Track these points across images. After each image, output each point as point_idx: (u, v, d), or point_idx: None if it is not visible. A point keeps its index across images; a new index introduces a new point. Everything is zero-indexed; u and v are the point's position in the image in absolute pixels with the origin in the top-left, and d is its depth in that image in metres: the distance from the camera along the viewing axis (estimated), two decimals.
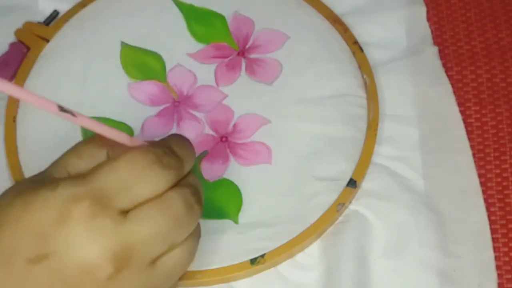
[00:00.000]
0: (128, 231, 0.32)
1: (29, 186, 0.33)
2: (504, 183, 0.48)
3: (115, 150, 0.35)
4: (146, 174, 0.33)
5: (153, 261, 0.34)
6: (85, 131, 0.49)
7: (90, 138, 0.37)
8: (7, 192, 0.34)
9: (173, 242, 0.34)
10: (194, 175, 0.37)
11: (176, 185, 0.34)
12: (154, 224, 0.33)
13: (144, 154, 0.34)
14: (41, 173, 0.36)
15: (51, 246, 0.32)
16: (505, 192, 0.48)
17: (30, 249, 0.32)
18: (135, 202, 0.33)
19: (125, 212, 0.33)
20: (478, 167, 0.48)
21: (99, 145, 0.36)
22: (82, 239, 0.32)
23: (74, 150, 0.36)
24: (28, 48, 0.53)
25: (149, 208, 0.33)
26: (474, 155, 0.48)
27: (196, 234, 0.36)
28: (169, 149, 0.35)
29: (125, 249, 0.32)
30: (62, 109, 0.32)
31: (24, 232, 0.32)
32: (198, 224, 0.37)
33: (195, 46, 0.52)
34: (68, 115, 0.32)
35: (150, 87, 0.51)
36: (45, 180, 0.33)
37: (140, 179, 0.33)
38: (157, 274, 0.34)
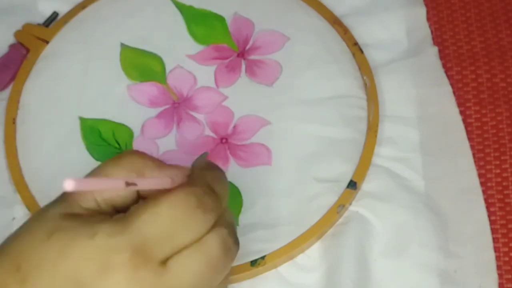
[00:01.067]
0: (169, 283, 0.31)
1: (62, 225, 0.32)
2: (504, 183, 0.48)
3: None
4: (189, 220, 0.32)
5: None
6: (85, 133, 0.49)
7: (113, 160, 0.34)
8: (37, 229, 0.33)
9: (212, 286, 0.33)
10: (229, 210, 0.36)
11: (214, 225, 0.33)
12: (194, 273, 0.32)
13: (186, 198, 0.32)
14: (64, 200, 0.34)
15: None
16: (505, 192, 0.48)
17: None
18: (176, 250, 0.32)
19: (165, 261, 0.32)
20: (478, 167, 0.48)
21: (128, 169, 0.34)
22: None
23: (102, 175, 0.34)
24: (27, 50, 0.53)
25: (188, 256, 0.32)
26: (474, 155, 0.49)
27: (230, 272, 0.36)
28: (208, 188, 0.33)
29: None
30: (128, 184, 0.31)
31: (61, 279, 0.31)
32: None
33: (195, 47, 0.52)
34: (132, 186, 0.31)
35: (150, 89, 0.51)
36: (82, 222, 0.32)
37: (183, 228, 0.32)
38: None
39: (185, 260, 0.32)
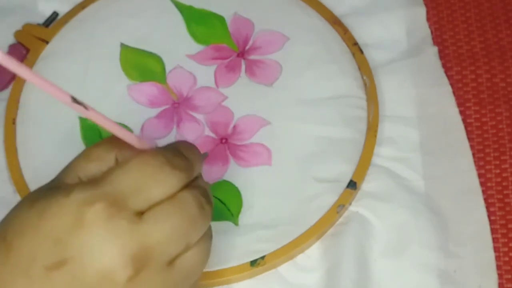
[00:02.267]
0: (144, 231, 0.32)
1: (43, 194, 0.33)
2: (504, 183, 0.48)
3: (123, 153, 0.35)
4: (158, 175, 0.33)
5: (171, 262, 0.34)
6: (85, 133, 0.49)
7: (99, 142, 0.37)
8: (22, 203, 0.34)
9: (188, 242, 0.34)
10: (202, 178, 0.37)
11: (186, 187, 0.35)
12: (169, 223, 0.33)
13: (155, 156, 0.34)
14: (52, 181, 0.36)
15: (69, 251, 0.32)
16: (505, 192, 0.48)
17: (49, 256, 0.32)
18: (149, 203, 0.33)
19: (140, 214, 0.33)
20: (478, 167, 0.48)
21: (108, 148, 0.36)
22: (100, 242, 0.31)
23: (83, 154, 0.36)
24: (27, 50, 0.53)
25: (163, 208, 0.33)
26: (474, 155, 0.49)
27: (209, 235, 0.36)
28: (178, 151, 0.35)
29: (143, 250, 0.32)
30: (75, 100, 0.32)
31: (41, 239, 0.32)
32: (210, 227, 0.37)
33: (195, 47, 0.52)
34: (81, 107, 0.32)
35: (149, 89, 0.51)
36: (58, 187, 0.34)
37: (152, 180, 0.33)
38: (176, 275, 0.34)
39: (159, 211, 0.33)
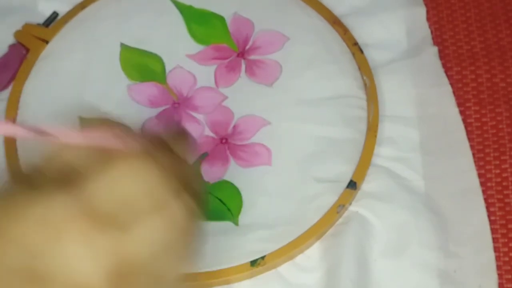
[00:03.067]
0: (126, 247, 0.30)
1: (24, 194, 0.31)
2: (504, 183, 0.48)
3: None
4: (144, 182, 0.31)
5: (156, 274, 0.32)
6: None
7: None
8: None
9: (175, 251, 0.32)
10: (192, 168, 0.35)
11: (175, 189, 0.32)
12: (153, 237, 0.31)
13: (142, 159, 0.31)
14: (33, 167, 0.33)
15: (42, 261, 0.29)
16: (505, 192, 0.48)
17: (16, 260, 0.30)
18: (134, 213, 0.31)
19: (123, 225, 0.30)
20: (478, 167, 0.48)
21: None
22: (78, 256, 0.30)
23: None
24: (27, 50, 0.53)
25: (148, 220, 0.31)
26: (474, 155, 0.49)
27: (199, 237, 0.34)
28: (167, 148, 0.33)
29: (124, 266, 0.30)
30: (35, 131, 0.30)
31: (12, 242, 0.30)
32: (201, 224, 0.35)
33: (195, 47, 0.52)
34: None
35: (149, 89, 0.51)
36: (40, 190, 0.31)
37: (137, 188, 0.31)
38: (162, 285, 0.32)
39: (144, 222, 0.31)
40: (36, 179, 0.32)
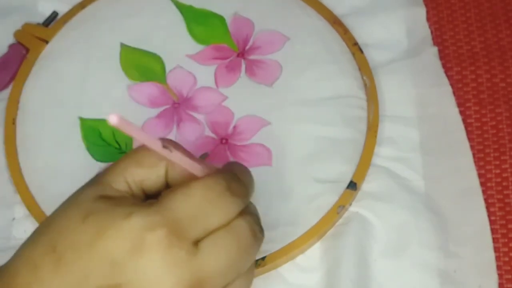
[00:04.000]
0: (201, 263, 0.32)
1: (96, 207, 0.33)
2: (504, 183, 0.48)
3: (174, 166, 0.35)
4: (219, 201, 0.33)
5: None
6: (85, 133, 0.49)
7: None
8: (69, 210, 0.34)
9: (240, 271, 0.34)
10: (253, 204, 0.37)
11: (240, 214, 0.34)
12: (225, 254, 0.33)
13: (216, 180, 0.33)
14: (96, 182, 0.35)
15: (125, 276, 0.31)
16: (505, 192, 0.48)
17: (103, 277, 0.31)
18: (207, 231, 0.32)
19: (197, 242, 0.32)
20: (478, 167, 0.48)
21: (160, 156, 0.34)
22: (158, 270, 0.31)
23: (133, 158, 0.35)
24: (27, 50, 0.53)
25: (220, 237, 0.33)
26: (474, 155, 0.48)
27: (254, 263, 0.36)
28: (236, 176, 0.35)
29: (199, 280, 0.32)
30: (164, 146, 0.32)
31: (96, 259, 0.31)
32: None
33: (195, 47, 0.52)
34: (167, 151, 0.32)
35: (149, 89, 0.51)
36: (111, 199, 0.33)
37: (213, 207, 0.33)
38: None
39: (216, 241, 0.32)
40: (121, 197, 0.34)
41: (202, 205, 0.32)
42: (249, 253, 0.34)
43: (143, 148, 0.35)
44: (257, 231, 0.34)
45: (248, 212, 0.35)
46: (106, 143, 0.49)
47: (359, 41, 0.52)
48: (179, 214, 0.32)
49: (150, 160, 0.35)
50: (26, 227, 0.47)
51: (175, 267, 0.31)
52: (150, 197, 0.35)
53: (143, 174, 0.35)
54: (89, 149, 0.49)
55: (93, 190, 0.34)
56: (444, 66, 0.52)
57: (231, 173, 0.35)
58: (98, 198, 0.33)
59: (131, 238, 0.31)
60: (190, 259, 0.31)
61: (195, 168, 0.34)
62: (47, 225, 0.34)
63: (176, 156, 0.33)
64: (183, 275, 0.31)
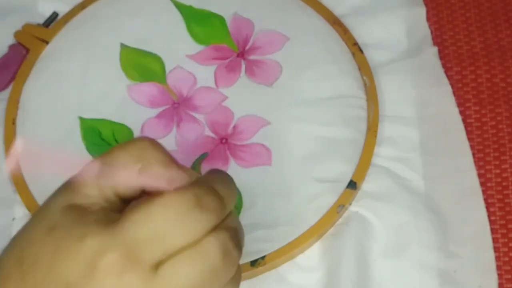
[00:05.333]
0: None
1: (63, 222, 0.31)
2: (504, 183, 0.48)
3: (151, 167, 0.32)
4: (184, 221, 0.30)
5: None
6: (85, 133, 0.49)
7: (121, 147, 0.33)
8: (39, 217, 0.32)
9: None
10: (234, 214, 0.34)
11: (214, 229, 0.31)
12: (186, 279, 0.30)
13: (182, 197, 0.30)
14: (69, 188, 0.33)
15: None
16: (505, 192, 0.48)
17: None
18: (169, 253, 0.30)
19: (156, 265, 0.30)
20: (478, 167, 0.48)
21: (135, 157, 0.33)
22: None
23: (107, 158, 0.33)
24: (27, 50, 0.53)
25: (182, 260, 0.30)
26: (474, 155, 0.48)
27: (235, 280, 0.33)
28: (210, 188, 0.32)
29: None
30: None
31: (54, 279, 0.30)
32: (239, 268, 0.34)
33: (195, 47, 0.52)
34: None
35: (149, 89, 0.51)
36: (79, 219, 0.31)
37: (176, 228, 0.30)
38: None
39: (178, 264, 0.30)
40: (85, 214, 0.32)
41: (163, 226, 0.30)
42: (218, 274, 0.31)
43: (119, 149, 0.33)
44: (232, 247, 0.31)
45: (223, 227, 0.32)
46: (106, 143, 0.49)
47: (359, 41, 0.52)
48: (136, 236, 0.30)
49: (125, 161, 0.33)
50: None
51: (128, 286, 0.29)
52: (128, 201, 0.33)
53: (116, 177, 0.32)
54: (89, 149, 0.49)
55: (64, 197, 0.33)
56: (444, 66, 0.52)
57: (204, 185, 0.32)
58: (67, 209, 0.32)
59: (84, 261, 0.29)
60: (146, 285, 0.29)
61: (160, 184, 0.31)
62: (22, 231, 0.33)
63: (131, 181, 0.31)
64: None
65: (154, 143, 0.33)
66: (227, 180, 0.34)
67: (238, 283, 0.34)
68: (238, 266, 0.33)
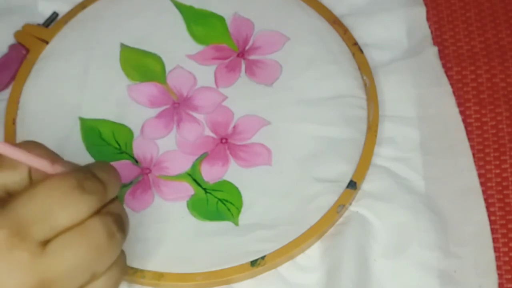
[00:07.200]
0: (46, 264, 0.31)
1: None
2: (504, 183, 0.48)
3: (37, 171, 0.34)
4: (66, 200, 0.32)
5: None
6: (85, 133, 0.49)
7: None
8: None
9: (94, 273, 0.33)
10: (118, 201, 0.36)
11: (98, 212, 0.33)
12: (73, 255, 0.32)
13: (64, 179, 0.32)
14: None
15: None
16: (505, 192, 0.48)
17: None
18: (55, 231, 0.32)
19: (44, 243, 0.31)
20: (478, 167, 0.48)
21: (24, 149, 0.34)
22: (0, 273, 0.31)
23: None
24: (27, 50, 0.53)
25: (68, 238, 0.32)
26: (474, 155, 0.48)
27: (119, 263, 0.35)
28: (91, 174, 0.34)
29: (44, 282, 0.31)
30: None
31: None
32: (123, 253, 0.36)
33: (195, 47, 0.52)
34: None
35: (150, 89, 0.51)
36: None
37: (59, 207, 0.32)
38: None
39: (64, 241, 0.32)
40: None
41: (47, 205, 0.32)
42: (103, 253, 0.33)
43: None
44: (115, 231, 0.33)
45: (107, 212, 0.34)
46: (106, 143, 0.49)
47: (359, 41, 0.52)
48: (23, 214, 0.31)
49: (11, 162, 0.34)
50: None
51: (17, 269, 0.31)
52: None
53: (4, 177, 0.34)
54: (89, 149, 0.49)
55: None
56: (444, 66, 0.52)
57: (85, 170, 0.34)
58: None
59: None
60: (34, 261, 0.31)
61: (44, 166, 0.33)
62: None
63: (16, 155, 0.32)
64: (25, 277, 0.31)
65: (39, 144, 0.35)
66: (108, 167, 0.35)
67: (121, 268, 0.35)
68: (122, 251, 0.35)
